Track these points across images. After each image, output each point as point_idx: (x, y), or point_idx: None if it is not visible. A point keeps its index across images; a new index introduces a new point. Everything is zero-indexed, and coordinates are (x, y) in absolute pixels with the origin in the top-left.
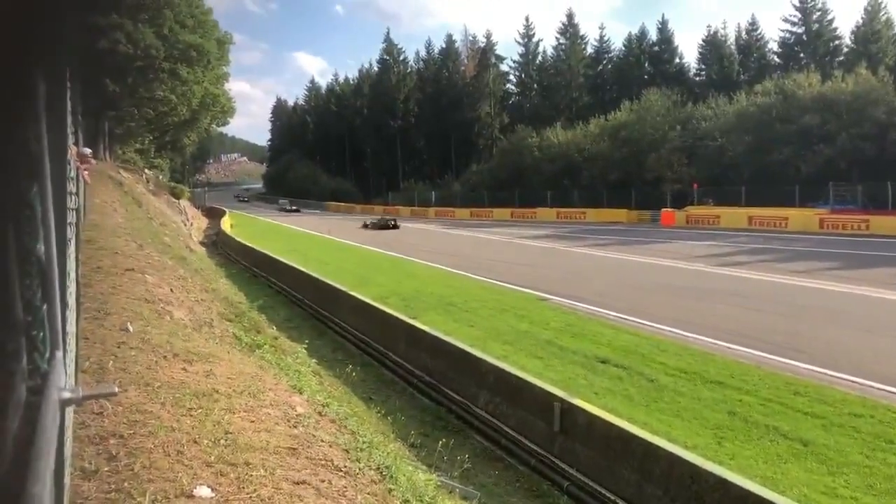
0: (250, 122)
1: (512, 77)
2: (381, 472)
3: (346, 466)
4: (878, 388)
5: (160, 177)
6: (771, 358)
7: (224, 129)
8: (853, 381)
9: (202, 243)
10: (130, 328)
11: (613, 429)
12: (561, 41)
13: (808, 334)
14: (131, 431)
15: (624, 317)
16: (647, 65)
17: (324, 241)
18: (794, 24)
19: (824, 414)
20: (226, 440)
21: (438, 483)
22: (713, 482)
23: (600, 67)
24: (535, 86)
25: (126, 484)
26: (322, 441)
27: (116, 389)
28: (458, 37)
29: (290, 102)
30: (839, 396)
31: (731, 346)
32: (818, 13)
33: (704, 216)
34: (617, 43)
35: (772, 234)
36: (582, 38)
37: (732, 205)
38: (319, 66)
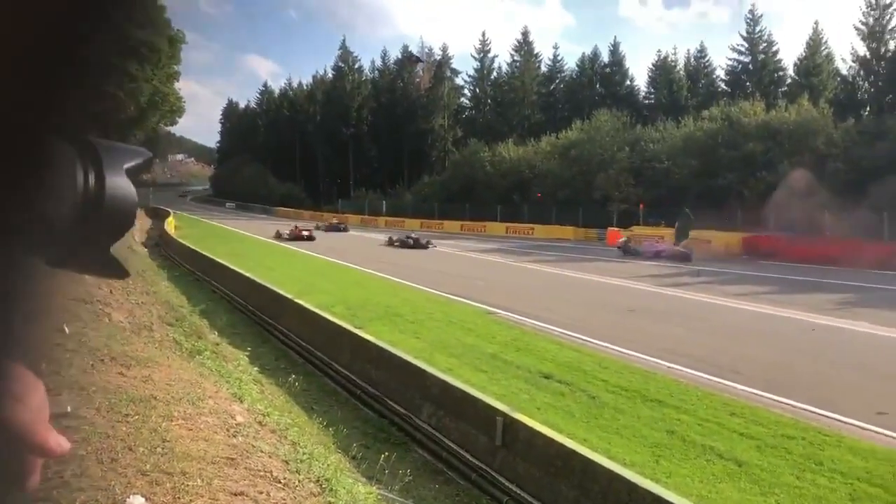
0: (199, 123)
1: (466, 91)
2: (321, 485)
3: (285, 478)
4: (811, 412)
5: None
6: (710, 378)
7: (172, 129)
8: (787, 404)
9: (145, 244)
10: (66, 330)
11: (554, 444)
12: (516, 58)
13: (747, 356)
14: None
15: (568, 333)
16: (598, 86)
17: (271, 247)
18: (741, 53)
19: (759, 435)
20: (162, 448)
21: (379, 496)
22: (650, 500)
23: (553, 86)
24: (489, 101)
25: (55, 493)
26: (262, 451)
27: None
28: (414, 48)
29: (242, 105)
30: (773, 418)
31: (671, 366)
32: (764, 44)
33: (649, 236)
34: (570, 63)
35: (710, 255)
36: (536, 56)
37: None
38: (272, 69)
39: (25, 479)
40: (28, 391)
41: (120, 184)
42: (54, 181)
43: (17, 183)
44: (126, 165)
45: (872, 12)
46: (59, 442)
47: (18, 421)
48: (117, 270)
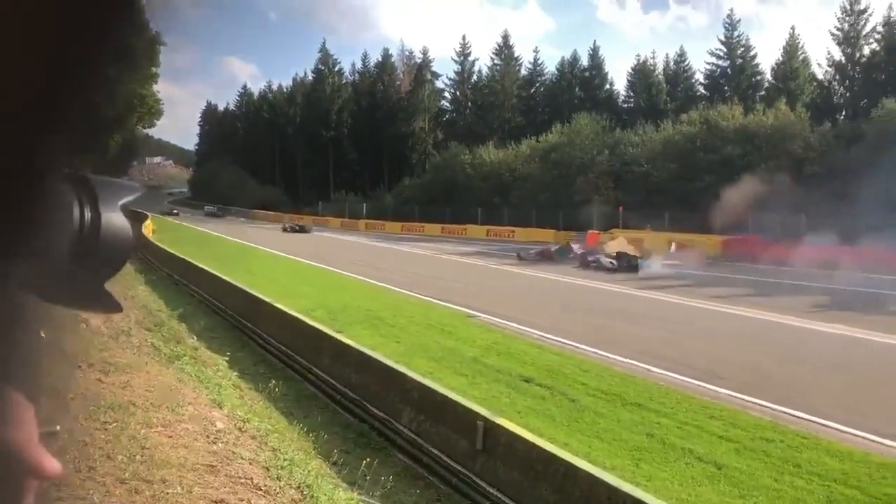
0: (177, 126)
1: (447, 94)
2: (302, 491)
3: (266, 485)
4: (789, 414)
5: None
6: (689, 381)
7: (150, 131)
8: (766, 407)
9: None
10: (42, 335)
11: (535, 448)
12: (496, 62)
13: (726, 359)
14: None
15: (549, 336)
16: (577, 89)
17: (251, 251)
18: (719, 57)
19: (738, 438)
20: (142, 456)
21: (360, 502)
22: (630, 503)
23: (533, 89)
24: (470, 104)
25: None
26: (242, 458)
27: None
28: (394, 51)
29: (221, 107)
30: (752, 421)
31: (650, 369)
32: (742, 49)
33: (629, 239)
34: (550, 66)
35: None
36: (516, 59)
37: (655, 229)
38: (251, 72)
39: (20, 502)
40: (21, 412)
41: (115, 220)
42: (51, 217)
43: (14, 218)
44: (121, 201)
45: (847, 18)
46: (52, 464)
47: (12, 442)
48: (112, 305)
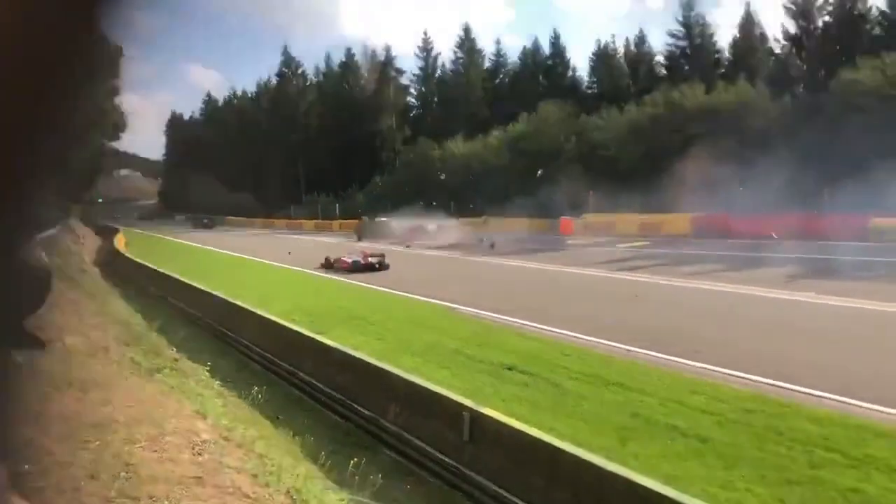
0: (143, 137)
1: (413, 90)
2: (292, 496)
3: (254, 493)
4: (769, 384)
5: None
6: (669, 359)
7: (116, 145)
8: (746, 378)
9: (95, 263)
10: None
11: (521, 435)
12: (459, 55)
13: (704, 335)
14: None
15: (529, 323)
16: (541, 78)
17: (224, 258)
18: (678, 38)
19: (720, 411)
20: (127, 473)
21: (350, 501)
22: (619, 483)
23: (497, 80)
24: (436, 99)
25: None
26: (229, 467)
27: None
28: (357, 51)
29: (186, 116)
30: (733, 393)
31: (630, 349)
32: (700, 28)
33: (601, 223)
34: (513, 56)
35: (662, 239)
36: (479, 52)
37: (627, 212)
38: (214, 78)
39: None
40: None
41: (32, 257)
42: None
43: None
44: (41, 235)
45: None
46: None
47: None
48: (32, 343)
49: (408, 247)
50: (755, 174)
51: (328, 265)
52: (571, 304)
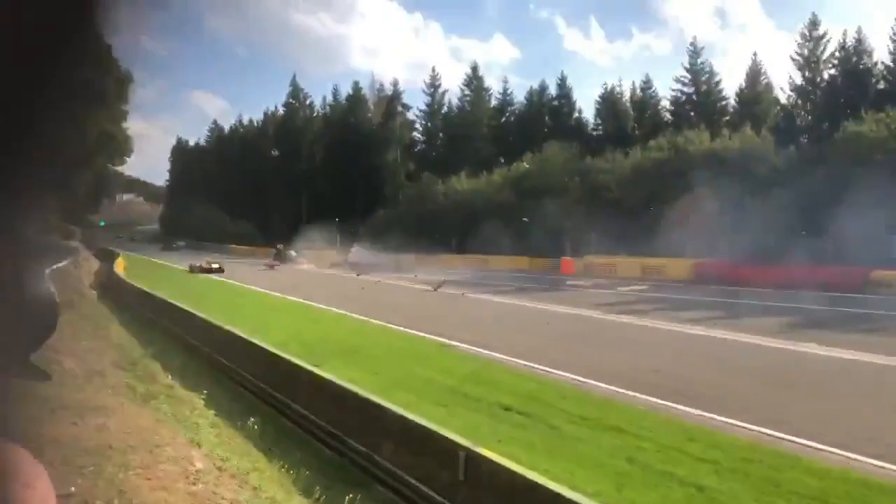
0: (146, 162)
1: (418, 125)
2: None
3: None
4: (767, 434)
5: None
6: (667, 405)
7: (120, 168)
8: (744, 427)
9: (93, 286)
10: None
11: (517, 477)
12: (466, 92)
13: (703, 381)
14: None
15: (527, 363)
16: (547, 118)
17: (223, 286)
18: (684, 84)
19: (717, 459)
20: (120, 500)
21: None
22: None
23: (503, 119)
24: (441, 135)
25: None
26: (223, 498)
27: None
28: (364, 84)
29: (191, 142)
30: (731, 442)
31: (628, 393)
32: (706, 75)
33: (602, 265)
34: (518, 96)
35: (663, 283)
36: (486, 90)
37: (628, 254)
38: (220, 106)
39: None
40: (35, 476)
41: (41, 290)
42: None
43: None
44: (49, 268)
45: (807, 43)
46: None
47: None
48: (37, 375)
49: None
50: (758, 222)
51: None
52: (567, 347)
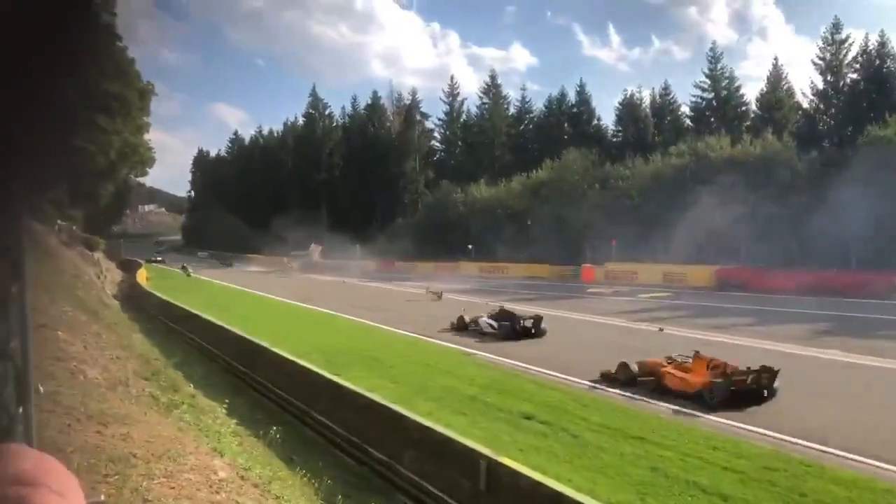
0: (168, 173)
1: (437, 134)
2: None
3: None
4: (791, 442)
5: (74, 228)
6: (689, 413)
7: (142, 180)
8: (767, 435)
9: (116, 296)
10: (41, 389)
11: (539, 486)
12: (484, 100)
13: None
14: None
15: (548, 372)
16: (566, 125)
17: (244, 295)
18: (704, 90)
19: (742, 468)
20: None
21: None
22: None
23: (522, 127)
24: (460, 143)
25: None
26: None
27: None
28: (383, 93)
29: (212, 153)
30: (755, 451)
31: (649, 402)
32: (726, 81)
33: (623, 272)
34: (537, 103)
35: (684, 289)
36: (504, 98)
37: (649, 261)
38: (240, 117)
39: None
40: (66, 485)
41: None
42: None
43: None
44: None
45: (829, 48)
46: None
47: None
48: None
49: None
50: (780, 228)
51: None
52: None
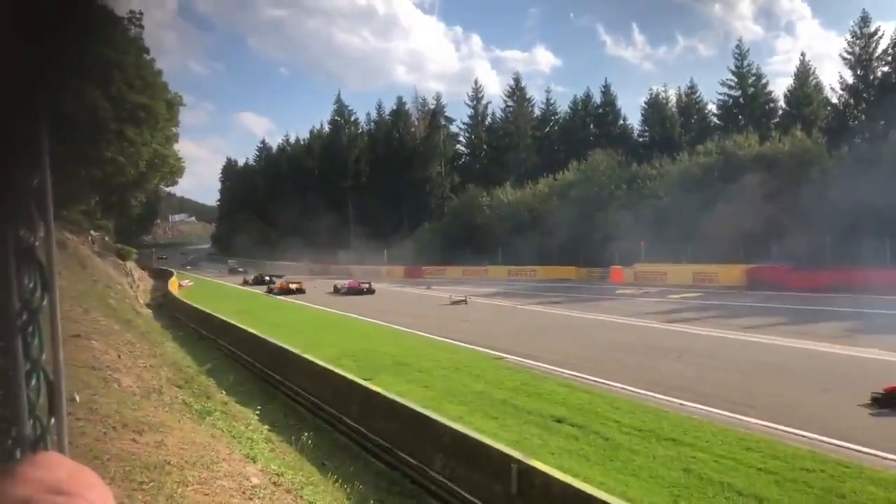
0: (197, 183)
1: (462, 138)
2: None
3: None
4: (828, 443)
5: (106, 238)
6: (722, 414)
7: (171, 189)
8: (803, 436)
9: (148, 305)
10: (77, 398)
11: (571, 490)
12: (509, 103)
13: (758, 389)
14: None
15: (578, 375)
16: (592, 126)
17: (274, 303)
18: (731, 87)
19: (777, 469)
20: None
21: None
22: None
23: (547, 129)
24: (485, 146)
25: None
26: None
27: None
28: (408, 98)
29: (240, 162)
30: (790, 451)
31: (683, 403)
32: (753, 78)
33: (652, 273)
34: (562, 104)
35: (715, 290)
36: (529, 100)
37: (679, 261)
38: (267, 126)
39: None
40: (101, 496)
41: None
42: None
43: None
44: None
45: (858, 41)
46: None
47: None
48: None
49: None
50: (811, 226)
51: None
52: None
